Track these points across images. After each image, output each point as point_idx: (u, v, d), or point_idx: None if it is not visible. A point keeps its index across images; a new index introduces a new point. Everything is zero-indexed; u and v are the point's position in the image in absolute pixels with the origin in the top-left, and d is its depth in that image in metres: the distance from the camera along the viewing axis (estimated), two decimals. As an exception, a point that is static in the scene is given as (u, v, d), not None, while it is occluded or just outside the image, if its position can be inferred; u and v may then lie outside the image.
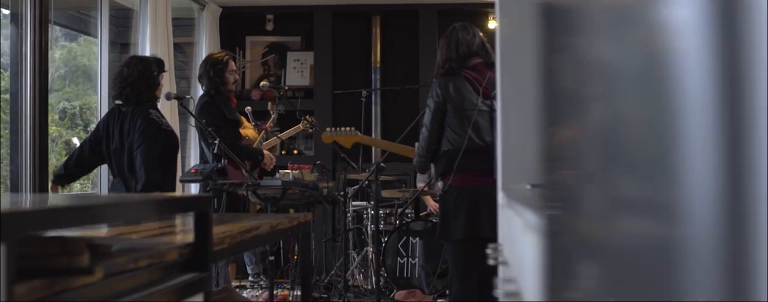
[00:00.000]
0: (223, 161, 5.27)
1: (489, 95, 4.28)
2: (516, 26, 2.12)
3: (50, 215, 1.36)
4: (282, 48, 8.53)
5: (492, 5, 8.27)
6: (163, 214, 1.84)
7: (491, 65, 4.35)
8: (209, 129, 4.91)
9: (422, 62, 8.15)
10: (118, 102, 4.64)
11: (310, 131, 6.82)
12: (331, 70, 8.25)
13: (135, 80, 4.57)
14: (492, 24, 8.34)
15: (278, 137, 6.53)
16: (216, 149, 4.89)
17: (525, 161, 2.11)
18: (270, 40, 8.53)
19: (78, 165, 4.88)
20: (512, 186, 2.10)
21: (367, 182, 6.44)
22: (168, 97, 4.84)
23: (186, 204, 2.07)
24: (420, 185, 7.26)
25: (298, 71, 8.46)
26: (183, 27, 7.69)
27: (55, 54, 5.34)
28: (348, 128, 4.95)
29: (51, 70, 5.34)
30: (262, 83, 6.07)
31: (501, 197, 2.15)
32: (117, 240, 1.86)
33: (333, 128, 5.00)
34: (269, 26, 8.47)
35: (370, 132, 8.18)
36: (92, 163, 4.96)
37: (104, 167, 5.52)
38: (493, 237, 4.40)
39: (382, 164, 4.92)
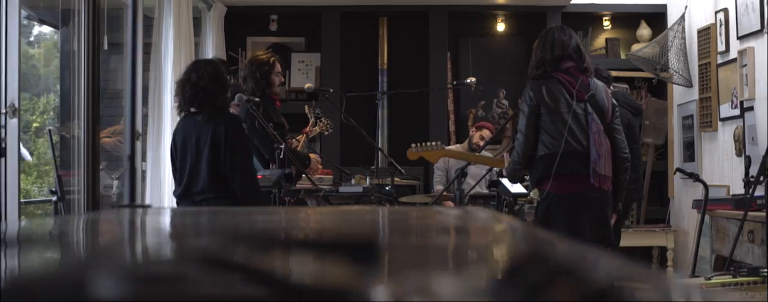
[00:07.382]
0: (271, 165, 5.06)
1: (583, 98, 4.20)
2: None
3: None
4: (285, 49, 8.31)
5: (502, 7, 8.21)
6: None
7: (584, 70, 4.27)
8: (275, 133, 4.71)
9: (432, 65, 8.02)
10: (193, 110, 4.28)
11: (327, 133, 6.68)
12: (339, 72, 8.07)
13: (207, 84, 4.26)
14: (500, 26, 8.27)
15: (296, 140, 6.36)
16: (282, 153, 4.69)
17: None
18: (272, 41, 8.31)
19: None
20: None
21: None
22: (239, 99, 4.60)
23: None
24: (438, 188, 7.14)
25: (303, 73, 8.27)
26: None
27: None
28: (434, 143, 4.80)
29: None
30: (306, 85, 5.88)
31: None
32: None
33: (418, 144, 4.82)
34: (273, 27, 8.25)
35: (375, 136, 8.03)
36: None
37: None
38: (595, 244, 4.33)
39: (469, 172, 4.79)
